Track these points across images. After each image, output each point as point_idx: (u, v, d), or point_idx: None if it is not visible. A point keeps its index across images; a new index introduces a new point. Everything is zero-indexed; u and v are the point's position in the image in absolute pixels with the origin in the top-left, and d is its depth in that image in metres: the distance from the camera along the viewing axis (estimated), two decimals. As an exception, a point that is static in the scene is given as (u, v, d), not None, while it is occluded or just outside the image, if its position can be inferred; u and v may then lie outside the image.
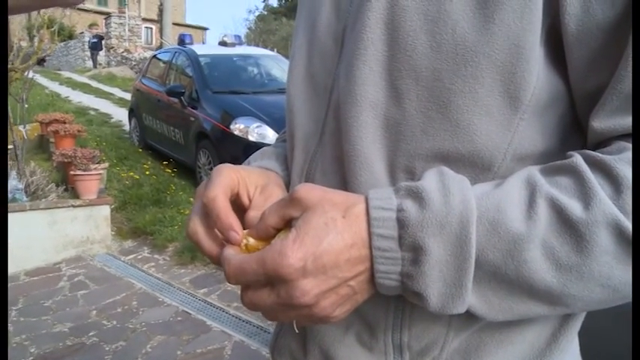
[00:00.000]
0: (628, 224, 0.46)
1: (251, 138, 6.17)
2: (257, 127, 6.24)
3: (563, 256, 0.47)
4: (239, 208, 0.62)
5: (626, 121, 0.50)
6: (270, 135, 6.16)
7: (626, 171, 0.47)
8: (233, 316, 3.68)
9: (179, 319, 3.67)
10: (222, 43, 9.09)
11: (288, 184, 0.72)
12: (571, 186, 0.48)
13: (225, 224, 0.56)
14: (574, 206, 0.47)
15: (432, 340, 0.59)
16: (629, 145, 0.49)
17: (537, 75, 0.52)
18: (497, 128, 0.54)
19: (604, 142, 0.53)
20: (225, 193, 0.59)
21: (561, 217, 0.47)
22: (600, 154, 0.50)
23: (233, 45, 9.05)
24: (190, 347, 3.27)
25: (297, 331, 0.60)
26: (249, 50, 9.47)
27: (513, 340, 0.59)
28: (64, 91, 16.04)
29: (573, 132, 0.56)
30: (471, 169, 0.55)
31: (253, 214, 0.60)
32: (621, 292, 0.49)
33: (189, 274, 4.51)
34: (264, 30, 41.29)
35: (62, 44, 28.49)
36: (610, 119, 0.51)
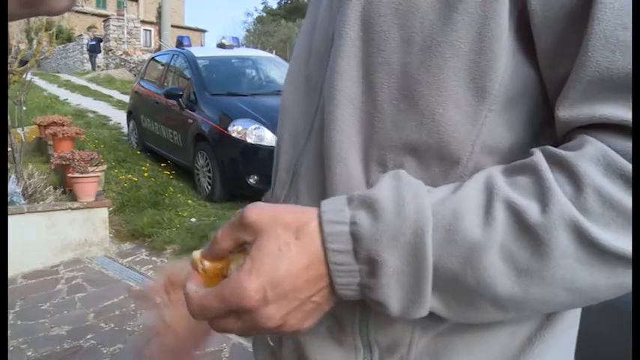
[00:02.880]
0: (588, 224, 0.44)
1: (249, 140, 6.18)
2: (255, 128, 6.24)
3: (523, 261, 0.46)
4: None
5: (590, 111, 0.48)
6: (268, 137, 6.17)
7: (586, 168, 0.45)
8: (231, 318, 3.66)
9: (177, 321, 3.65)
10: (221, 46, 9.08)
11: None
12: (529, 186, 0.47)
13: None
14: (531, 208, 0.46)
15: (398, 338, 0.58)
16: (592, 139, 0.47)
17: (505, 65, 0.51)
18: (463, 119, 0.53)
19: (569, 133, 0.51)
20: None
21: (518, 220, 0.46)
22: (562, 151, 0.48)
23: (231, 47, 9.04)
24: (188, 350, 3.25)
25: (271, 344, 0.64)
26: (247, 52, 9.48)
27: (484, 341, 0.57)
28: (63, 94, 16.03)
29: (546, 126, 0.54)
30: (440, 162, 0.54)
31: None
32: (588, 294, 0.48)
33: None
34: (262, 32, 41.29)
35: (61, 47, 28.48)
36: (573, 108, 0.49)
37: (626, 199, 0.44)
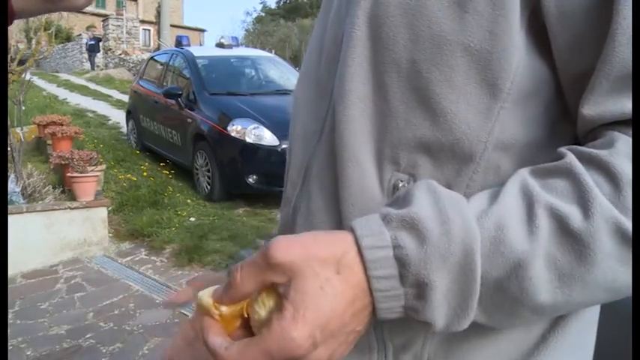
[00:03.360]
0: (629, 224, 0.44)
1: (248, 139, 6.18)
2: (254, 128, 6.24)
3: (567, 267, 0.45)
4: None
5: (616, 107, 0.48)
6: (267, 136, 6.17)
7: (623, 166, 0.45)
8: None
9: (176, 320, 3.66)
10: (220, 45, 9.08)
11: None
12: (568, 190, 0.47)
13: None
14: (574, 214, 0.45)
15: (412, 337, 0.58)
16: (622, 135, 0.47)
17: (517, 62, 0.52)
18: (476, 116, 0.53)
19: (594, 130, 0.51)
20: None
21: (562, 227, 0.45)
22: (594, 150, 0.48)
23: (230, 47, 9.04)
24: (187, 349, 3.25)
25: None
26: (246, 52, 9.48)
27: (499, 337, 0.57)
28: (62, 93, 16.02)
29: (561, 122, 0.55)
30: (453, 159, 0.54)
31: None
32: (623, 291, 0.48)
33: (187, 275, 4.50)
34: (261, 32, 41.25)
35: (60, 46, 28.46)
36: (600, 105, 0.49)
37: None
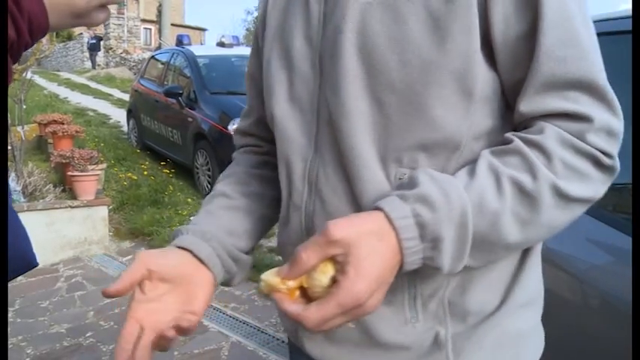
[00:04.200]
0: (559, 182, 0.66)
1: (249, 139, 6.17)
2: (255, 127, 6.23)
3: (524, 215, 0.66)
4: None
5: (543, 105, 0.68)
6: (267, 136, 6.16)
7: (551, 145, 0.67)
8: (230, 316, 3.68)
9: (176, 319, 3.66)
10: (220, 44, 9.09)
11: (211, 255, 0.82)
12: (519, 164, 0.67)
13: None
14: (526, 179, 0.66)
15: (437, 285, 0.76)
16: (548, 124, 0.68)
17: (482, 74, 0.70)
18: (460, 117, 0.70)
19: (526, 121, 0.71)
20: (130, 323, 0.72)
21: (520, 189, 0.66)
22: (530, 135, 0.68)
23: (231, 46, 9.05)
24: (187, 348, 3.27)
25: (352, 326, 0.74)
26: (247, 51, 9.46)
27: (493, 269, 0.78)
28: (63, 92, 16.06)
29: (507, 114, 0.74)
30: (445, 151, 0.72)
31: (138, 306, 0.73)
32: (557, 228, 0.70)
33: (187, 274, 4.50)
34: (263, 31, 41.08)
35: (61, 45, 28.49)
36: (531, 103, 0.69)
37: (576, 162, 0.67)
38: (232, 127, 6.31)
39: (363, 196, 0.74)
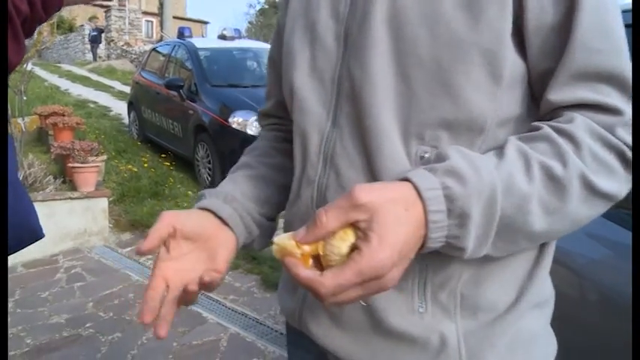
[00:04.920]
0: (589, 173, 0.64)
1: (249, 131, 6.17)
2: (256, 120, 6.23)
3: (551, 204, 0.64)
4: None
5: (573, 95, 0.67)
6: (268, 128, 6.16)
7: (581, 134, 0.65)
8: (229, 308, 3.69)
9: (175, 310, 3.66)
10: (222, 37, 9.06)
11: (233, 219, 0.83)
12: (549, 150, 0.64)
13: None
14: (556, 166, 0.63)
15: (449, 275, 0.73)
16: (577, 115, 0.67)
17: (511, 59, 0.68)
18: (486, 99, 0.68)
19: (553, 111, 0.70)
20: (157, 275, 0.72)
21: (549, 175, 0.63)
22: (561, 124, 0.67)
23: (232, 39, 9.02)
24: (186, 339, 3.28)
25: (364, 304, 0.73)
26: (248, 44, 9.46)
27: (509, 264, 0.75)
28: (64, 84, 16.03)
29: (533, 103, 0.72)
30: (468, 133, 0.70)
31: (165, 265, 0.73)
32: (581, 223, 0.67)
33: (187, 266, 4.50)
34: (265, 24, 41.19)
35: (62, 37, 28.43)
36: (562, 92, 0.68)
37: (604, 154, 0.65)
38: (233, 119, 6.31)
39: (381, 171, 0.72)
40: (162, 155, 8.09)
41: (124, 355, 3.11)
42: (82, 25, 27.61)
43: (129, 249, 5.00)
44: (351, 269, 0.57)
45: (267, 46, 9.70)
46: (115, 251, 4.92)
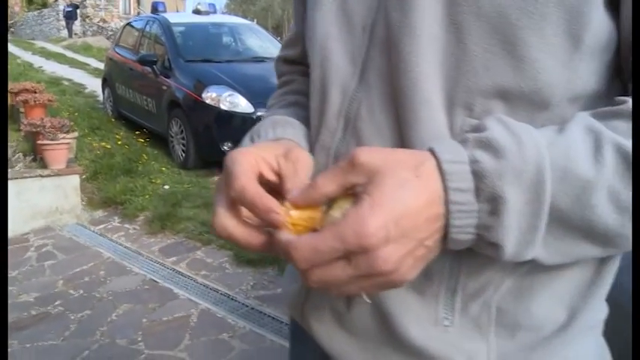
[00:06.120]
0: None
1: (222, 107, 6.13)
2: (229, 95, 6.18)
3: (626, 198, 0.48)
4: (268, 188, 0.56)
5: None
6: (242, 104, 6.12)
7: None
8: (200, 284, 3.68)
9: (146, 287, 3.66)
10: (196, 12, 8.95)
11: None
12: (630, 131, 0.49)
13: (263, 208, 0.51)
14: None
15: (486, 282, 0.58)
16: None
17: (599, 18, 0.53)
18: (559, 66, 0.53)
19: None
20: (252, 178, 0.55)
21: (626, 161, 0.48)
22: None
23: (207, 13, 8.91)
24: (156, 315, 3.27)
25: (369, 301, 0.56)
26: (224, 19, 9.36)
27: (561, 276, 0.60)
28: (38, 61, 15.73)
29: (615, 77, 0.57)
30: (529, 107, 0.55)
31: (290, 185, 0.54)
32: None
33: (159, 242, 4.49)
34: (244, 0, 40.71)
35: (36, 13, 27.80)
36: None
37: None
38: (206, 94, 6.25)
39: (415, 143, 0.57)
40: (137, 132, 8.00)
41: (92, 332, 3.09)
42: (57, 1, 27.04)
43: (101, 226, 4.96)
44: (331, 233, 0.46)
45: (243, 21, 9.63)
46: (87, 229, 4.88)
